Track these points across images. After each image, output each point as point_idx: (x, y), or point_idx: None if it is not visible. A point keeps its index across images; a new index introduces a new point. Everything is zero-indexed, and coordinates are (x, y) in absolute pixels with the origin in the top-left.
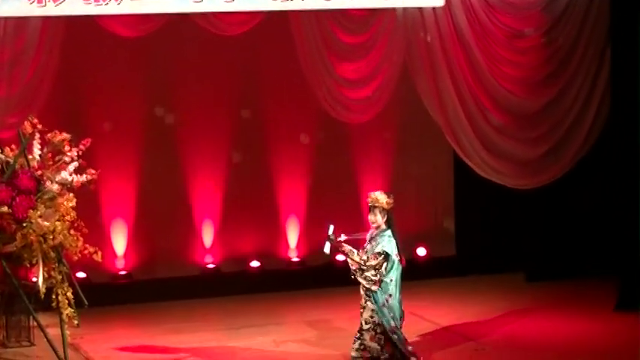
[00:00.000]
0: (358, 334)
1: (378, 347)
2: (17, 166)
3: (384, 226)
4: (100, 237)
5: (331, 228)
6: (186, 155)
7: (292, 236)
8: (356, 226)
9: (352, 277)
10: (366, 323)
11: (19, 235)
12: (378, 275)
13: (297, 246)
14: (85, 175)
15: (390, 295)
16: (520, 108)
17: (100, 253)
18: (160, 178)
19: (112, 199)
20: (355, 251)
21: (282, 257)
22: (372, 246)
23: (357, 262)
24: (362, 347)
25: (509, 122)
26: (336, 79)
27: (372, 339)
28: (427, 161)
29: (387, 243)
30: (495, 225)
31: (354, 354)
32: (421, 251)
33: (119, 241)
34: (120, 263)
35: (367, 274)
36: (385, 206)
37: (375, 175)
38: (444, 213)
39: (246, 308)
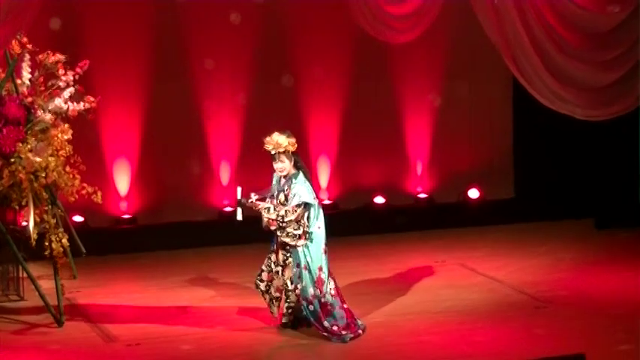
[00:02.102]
0: (280, 295)
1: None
2: (4, 93)
3: (293, 171)
4: (100, 175)
5: (239, 190)
6: (201, 82)
7: (324, 176)
8: (393, 163)
9: (267, 230)
10: (290, 283)
11: (6, 172)
12: (302, 228)
13: (328, 187)
14: (82, 103)
15: (325, 247)
16: (591, 26)
17: (99, 193)
18: (171, 107)
19: (114, 131)
20: (271, 207)
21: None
22: (288, 197)
23: (275, 220)
24: (290, 310)
25: (579, 43)
26: None
27: (298, 299)
28: (481, 89)
29: (303, 190)
30: (560, 163)
31: (284, 320)
32: (474, 193)
33: (122, 180)
34: (123, 206)
35: (288, 229)
36: (291, 148)
37: (419, 106)
38: (500, 149)
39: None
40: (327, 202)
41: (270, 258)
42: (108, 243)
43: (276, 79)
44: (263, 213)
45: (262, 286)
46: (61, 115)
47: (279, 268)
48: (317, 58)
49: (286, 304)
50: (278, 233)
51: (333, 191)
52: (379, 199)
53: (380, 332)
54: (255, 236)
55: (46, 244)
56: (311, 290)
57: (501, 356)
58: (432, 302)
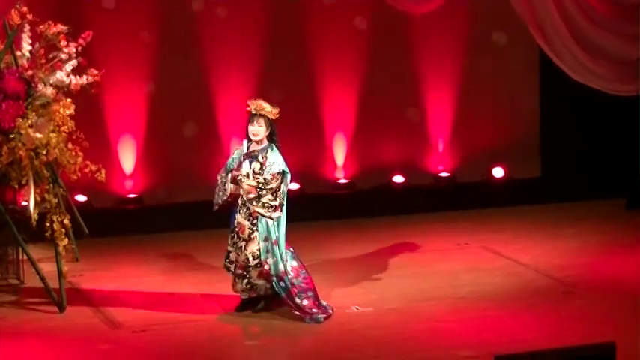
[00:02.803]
0: (242, 272)
1: (268, 285)
2: (3, 65)
3: (266, 142)
4: (104, 152)
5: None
6: (211, 55)
7: (339, 153)
8: (412, 140)
9: (219, 209)
10: (253, 258)
11: (5, 149)
12: (278, 199)
13: (345, 166)
14: (85, 76)
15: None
16: None
17: (103, 171)
18: (179, 81)
19: (119, 106)
20: (250, 173)
21: (329, 178)
22: (264, 166)
23: (255, 187)
24: (249, 286)
25: (610, 13)
26: None
27: (259, 275)
28: (506, 62)
29: (281, 160)
30: (590, 141)
31: (243, 296)
32: (498, 172)
33: (127, 158)
34: (128, 185)
35: (264, 200)
36: (271, 116)
37: (440, 79)
38: (526, 125)
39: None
40: (343, 181)
41: (233, 237)
42: (112, 224)
43: (289, 52)
44: (243, 180)
45: (232, 267)
46: (63, 89)
47: (243, 243)
48: (333, 31)
49: (245, 281)
50: (253, 204)
51: (349, 170)
52: (398, 179)
53: (398, 318)
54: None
55: (47, 224)
56: (281, 266)
57: (526, 344)
58: (452, 287)
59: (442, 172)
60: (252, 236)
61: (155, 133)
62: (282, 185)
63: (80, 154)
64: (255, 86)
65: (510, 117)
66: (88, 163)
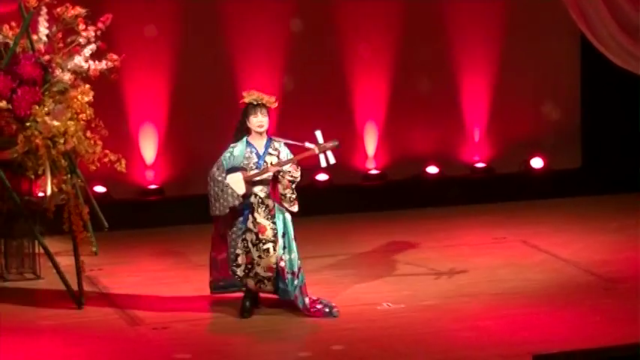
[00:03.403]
0: (271, 275)
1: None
2: (18, 50)
3: (266, 134)
4: (124, 141)
5: (320, 133)
6: (236, 40)
7: (370, 142)
8: (447, 129)
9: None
10: (281, 260)
11: (20, 137)
12: (295, 192)
13: (376, 156)
14: (104, 62)
15: None
16: None
17: (123, 161)
18: (203, 67)
19: (139, 93)
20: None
21: (359, 169)
22: (280, 157)
23: (291, 182)
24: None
25: None
26: None
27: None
28: (545, 47)
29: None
30: (634, 130)
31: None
32: (537, 162)
33: (148, 147)
34: (149, 175)
35: (290, 194)
36: (271, 106)
37: (477, 65)
38: (566, 113)
39: (315, 231)
40: (374, 171)
41: (245, 239)
42: (132, 216)
43: (319, 39)
44: (292, 173)
45: (239, 271)
46: (81, 75)
47: (270, 245)
48: (364, 15)
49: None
50: (284, 198)
51: (380, 160)
52: (432, 169)
53: (431, 316)
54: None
55: (65, 217)
56: (298, 262)
57: (566, 343)
58: (489, 283)
59: (478, 162)
60: (277, 235)
61: (177, 121)
62: None
63: (99, 142)
64: (282, 74)
65: (550, 104)
66: (107, 152)
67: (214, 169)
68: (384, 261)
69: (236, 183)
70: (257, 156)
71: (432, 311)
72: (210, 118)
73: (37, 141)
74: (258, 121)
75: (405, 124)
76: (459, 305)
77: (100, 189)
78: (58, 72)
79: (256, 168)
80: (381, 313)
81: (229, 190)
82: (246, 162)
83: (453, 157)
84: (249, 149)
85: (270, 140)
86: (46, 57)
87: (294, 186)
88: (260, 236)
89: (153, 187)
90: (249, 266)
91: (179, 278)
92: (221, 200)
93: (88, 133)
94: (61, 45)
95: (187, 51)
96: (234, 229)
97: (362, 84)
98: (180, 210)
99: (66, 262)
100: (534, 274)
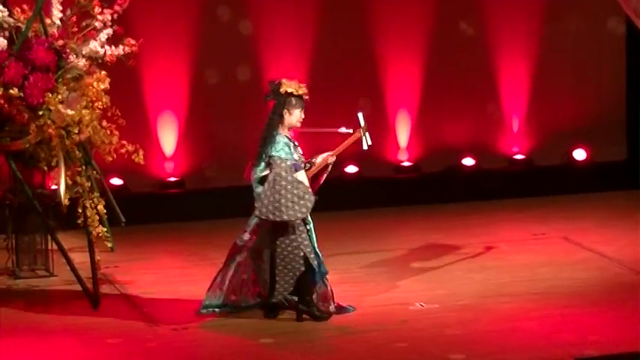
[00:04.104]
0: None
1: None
2: (31, 34)
3: None
4: (142, 131)
5: (362, 116)
6: (262, 23)
7: (402, 133)
8: (483, 118)
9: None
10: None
11: (33, 127)
12: None
13: (409, 147)
14: (121, 47)
15: None
16: None
17: (141, 152)
18: (225, 50)
19: (158, 80)
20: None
21: (391, 160)
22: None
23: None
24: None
25: None
26: None
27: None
28: (589, 30)
29: None
30: None
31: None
32: (580, 154)
33: (168, 137)
34: (168, 167)
35: None
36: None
37: (515, 51)
38: (611, 102)
39: (343, 226)
40: (406, 163)
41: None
42: (151, 210)
43: (349, 23)
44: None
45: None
46: (96, 61)
47: (306, 242)
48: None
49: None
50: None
51: (413, 151)
52: (468, 161)
53: (468, 316)
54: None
55: (79, 210)
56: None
57: (611, 346)
58: (528, 282)
59: (517, 154)
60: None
61: (198, 109)
62: None
63: (116, 132)
64: (310, 60)
65: (594, 92)
66: (124, 142)
67: (281, 170)
68: (416, 258)
69: (307, 181)
70: (298, 152)
71: (468, 312)
72: (233, 105)
73: (50, 131)
74: (301, 116)
75: (440, 112)
76: (496, 305)
77: (116, 181)
78: (72, 58)
79: (303, 164)
80: (414, 313)
81: (309, 192)
82: (298, 159)
83: (490, 148)
84: (292, 144)
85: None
86: (60, 42)
87: None
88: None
89: (172, 179)
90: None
91: (200, 276)
92: (301, 202)
93: (104, 123)
94: (75, 29)
95: (209, 35)
96: (287, 242)
97: (393, 70)
98: (202, 204)
99: (80, 258)
100: (576, 273)
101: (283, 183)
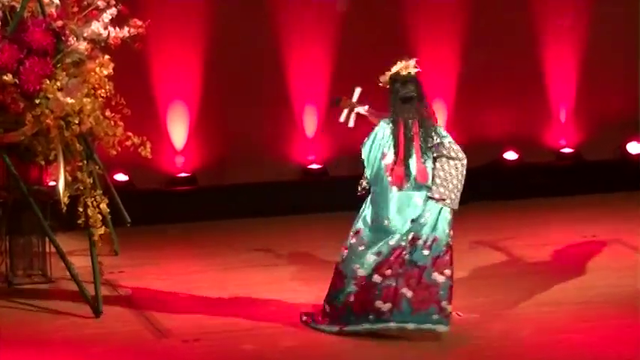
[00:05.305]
0: None
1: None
2: (27, 14)
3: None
4: (149, 122)
5: (358, 92)
6: (280, 6)
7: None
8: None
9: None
10: None
11: (29, 117)
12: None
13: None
14: (127, 28)
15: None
16: None
17: (148, 145)
18: (241, 38)
19: (168, 66)
20: None
21: None
22: None
23: None
24: None
25: None
26: None
27: None
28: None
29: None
30: None
31: None
32: (634, 147)
33: (178, 129)
34: (179, 161)
35: None
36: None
37: (562, 34)
38: None
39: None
40: None
41: None
42: (159, 209)
43: (380, 7)
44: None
45: None
46: (99, 44)
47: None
48: None
49: None
50: None
51: None
52: (510, 155)
53: (507, 327)
54: (350, 201)
55: (80, 210)
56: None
57: None
58: (577, 289)
59: (564, 147)
60: None
61: (212, 99)
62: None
63: (120, 123)
64: (332, 45)
65: None
66: (129, 134)
67: (461, 154)
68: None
69: None
70: None
71: (509, 322)
72: (249, 95)
73: (48, 121)
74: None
75: (479, 102)
76: (540, 315)
77: (121, 177)
78: (72, 40)
79: None
80: (451, 323)
81: None
82: None
83: (534, 140)
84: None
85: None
86: (59, 23)
87: None
88: None
89: (183, 175)
90: None
91: (213, 282)
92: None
93: (108, 112)
94: (76, 9)
95: (223, 18)
96: None
97: (427, 56)
98: (215, 202)
99: (81, 262)
100: (629, 280)
101: (463, 169)
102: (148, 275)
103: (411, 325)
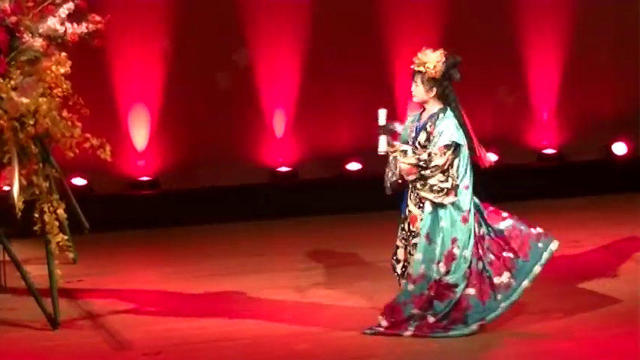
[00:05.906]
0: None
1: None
2: None
3: (438, 105)
4: (109, 123)
5: (383, 114)
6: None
7: None
8: (508, 108)
9: (392, 192)
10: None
11: None
12: (450, 180)
13: None
14: (85, 24)
15: (466, 215)
16: None
17: (108, 147)
18: (205, 34)
19: (129, 65)
20: (409, 149)
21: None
22: (431, 136)
23: (416, 165)
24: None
25: None
26: None
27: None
28: (625, 7)
29: (453, 128)
30: None
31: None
32: (620, 148)
33: (139, 130)
34: (140, 164)
35: (432, 181)
36: (431, 72)
37: (545, 31)
38: None
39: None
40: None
41: (403, 229)
42: (120, 214)
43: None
44: (398, 157)
45: (398, 268)
46: (56, 41)
47: (417, 239)
48: None
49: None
50: (418, 187)
51: None
52: (490, 156)
53: (493, 336)
54: (322, 205)
55: (36, 215)
56: (422, 268)
57: None
58: (559, 297)
59: (547, 147)
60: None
61: (175, 99)
62: (456, 160)
63: (78, 124)
64: (304, 46)
65: (635, 78)
66: (88, 136)
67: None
68: None
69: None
70: (415, 129)
71: (495, 330)
72: (214, 96)
73: (2, 122)
74: (412, 90)
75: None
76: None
77: (79, 181)
78: (27, 37)
79: (412, 144)
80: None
81: (390, 169)
82: (408, 135)
83: (515, 141)
84: (411, 120)
85: (437, 113)
86: (13, 18)
87: (430, 172)
88: (411, 227)
89: (145, 178)
90: (406, 264)
91: (177, 291)
92: (385, 178)
93: (65, 113)
94: (31, 4)
95: (187, 16)
96: (401, 216)
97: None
98: (179, 207)
99: (37, 271)
100: (618, 286)
101: None
102: (108, 284)
103: (537, 268)
